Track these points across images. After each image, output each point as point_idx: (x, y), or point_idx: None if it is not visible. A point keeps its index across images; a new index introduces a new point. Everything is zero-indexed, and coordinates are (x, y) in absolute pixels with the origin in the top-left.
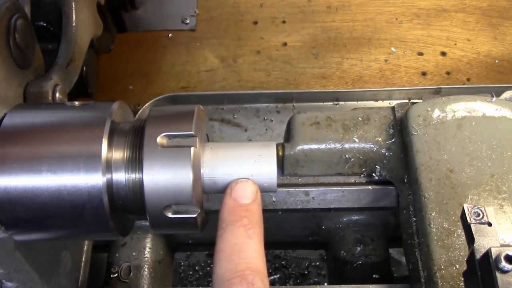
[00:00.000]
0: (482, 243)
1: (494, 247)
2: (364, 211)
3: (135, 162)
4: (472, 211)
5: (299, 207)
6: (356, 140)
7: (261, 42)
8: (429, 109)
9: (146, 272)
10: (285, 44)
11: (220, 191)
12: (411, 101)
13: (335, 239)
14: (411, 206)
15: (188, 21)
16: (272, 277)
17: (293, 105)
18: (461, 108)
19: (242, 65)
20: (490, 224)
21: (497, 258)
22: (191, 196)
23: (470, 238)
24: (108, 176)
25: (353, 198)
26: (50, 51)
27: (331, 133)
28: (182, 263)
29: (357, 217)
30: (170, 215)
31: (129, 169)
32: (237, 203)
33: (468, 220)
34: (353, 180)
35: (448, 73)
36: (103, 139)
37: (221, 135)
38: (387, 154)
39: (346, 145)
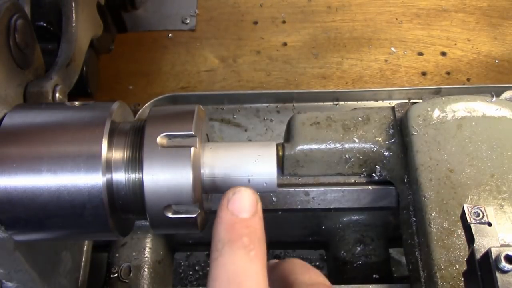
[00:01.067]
0: (482, 243)
1: (494, 247)
2: (364, 211)
3: (135, 162)
4: (472, 211)
5: (299, 207)
6: (356, 140)
7: (261, 42)
8: (429, 109)
9: (146, 272)
10: (285, 44)
11: (220, 191)
12: (411, 101)
13: (335, 239)
14: (411, 206)
15: (188, 21)
16: None
17: (293, 105)
18: (461, 108)
19: (242, 65)
20: (490, 224)
21: (497, 258)
22: (191, 196)
23: (470, 238)
24: (108, 176)
25: (353, 198)
26: (50, 51)
27: (331, 133)
28: (182, 263)
29: (357, 217)
30: (170, 215)
31: (129, 169)
32: (235, 218)
33: (468, 220)
34: (353, 180)
35: (448, 73)
36: (103, 139)
37: (221, 135)
38: (387, 154)
39: (346, 145)
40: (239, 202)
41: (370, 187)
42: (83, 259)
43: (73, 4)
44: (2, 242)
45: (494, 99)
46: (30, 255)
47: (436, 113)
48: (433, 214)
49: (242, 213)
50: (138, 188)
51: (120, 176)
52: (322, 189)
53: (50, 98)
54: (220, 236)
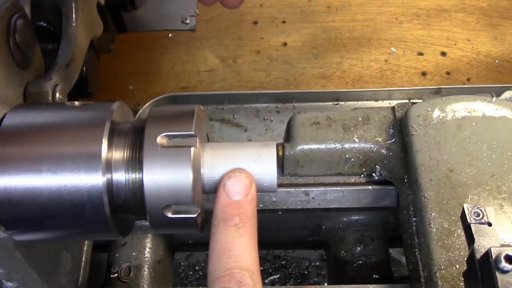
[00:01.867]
0: (482, 243)
1: (494, 247)
2: (364, 211)
3: (135, 162)
4: (472, 211)
5: (299, 207)
6: (356, 140)
7: (261, 42)
8: (429, 109)
9: (146, 272)
10: (285, 44)
11: None
12: (411, 101)
13: (335, 239)
14: (411, 206)
15: (188, 21)
16: (272, 277)
17: (293, 105)
18: (461, 108)
19: (242, 65)
20: (490, 224)
21: (497, 258)
22: (191, 196)
23: (470, 238)
24: (108, 176)
25: (353, 198)
26: (50, 51)
27: (331, 133)
28: (182, 263)
29: (357, 217)
30: (170, 215)
31: (129, 169)
32: (229, 200)
33: (468, 220)
34: (353, 180)
35: (448, 73)
36: (103, 139)
37: (221, 135)
38: (387, 154)
39: (346, 145)
40: (233, 186)
41: (370, 187)
42: (83, 259)
43: (73, 4)
44: (2, 242)
45: (494, 99)
46: (30, 255)
47: (436, 113)
48: (433, 214)
49: (235, 196)
50: (138, 188)
51: (120, 176)
52: (322, 189)
53: (50, 98)
54: (217, 215)
